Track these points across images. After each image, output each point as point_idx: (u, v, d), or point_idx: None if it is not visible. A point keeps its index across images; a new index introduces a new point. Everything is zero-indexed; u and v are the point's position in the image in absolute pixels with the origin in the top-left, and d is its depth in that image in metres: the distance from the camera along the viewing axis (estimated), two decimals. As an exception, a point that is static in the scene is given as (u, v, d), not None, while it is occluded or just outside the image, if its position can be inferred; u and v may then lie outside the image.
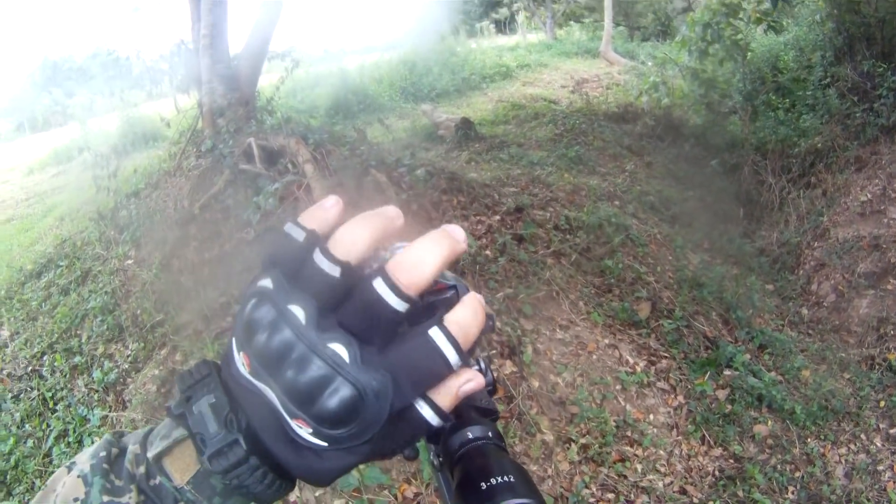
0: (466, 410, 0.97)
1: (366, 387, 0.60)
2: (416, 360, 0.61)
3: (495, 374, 4.95)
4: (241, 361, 0.64)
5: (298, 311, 0.60)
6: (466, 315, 0.63)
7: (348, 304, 0.60)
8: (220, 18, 8.56)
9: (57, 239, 9.05)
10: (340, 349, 0.59)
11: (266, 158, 7.41)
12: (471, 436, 0.90)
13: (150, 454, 0.71)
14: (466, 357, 0.65)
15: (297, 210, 6.54)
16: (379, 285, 0.59)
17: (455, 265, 5.85)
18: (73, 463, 0.71)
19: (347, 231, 0.64)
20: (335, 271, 0.60)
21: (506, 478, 0.76)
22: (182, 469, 0.70)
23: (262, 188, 6.91)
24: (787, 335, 6.92)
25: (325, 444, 0.63)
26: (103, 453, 0.71)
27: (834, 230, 8.69)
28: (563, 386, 5.18)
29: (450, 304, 0.82)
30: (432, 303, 0.83)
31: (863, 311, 7.39)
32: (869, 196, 8.89)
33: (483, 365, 1.02)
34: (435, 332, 0.61)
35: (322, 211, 0.68)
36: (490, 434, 0.91)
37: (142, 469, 0.70)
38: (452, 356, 0.62)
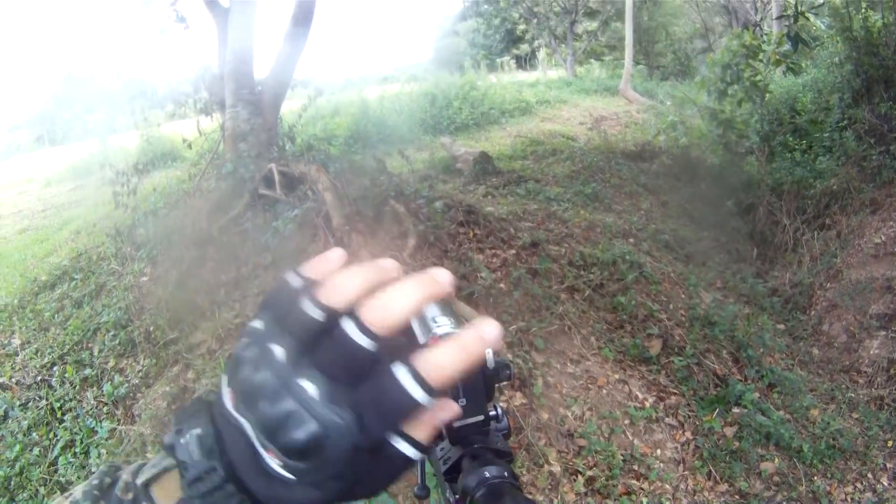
0: (483, 452, 1.05)
1: (328, 423, 0.63)
2: (381, 396, 0.64)
3: (506, 406, 5.05)
4: (227, 396, 0.68)
5: (278, 350, 0.64)
6: (444, 353, 0.65)
7: (323, 344, 0.64)
8: (246, 44, 8.76)
9: (72, 252, 9.15)
10: (310, 386, 0.62)
11: (286, 184, 7.53)
12: (488, 475, 0.96)
13: (139, 481, 0.75)
14: (436, 393, 0.66)
15: (315, 238, 6.67)
16: (347, 325, 0.63)
17: (470, 298, 5.96)
18: (71, 493, 0.77)
19: (337, 279, 0.68)
20: (318, 315, 0.64)
21: None
22: (167, 496, 0.74)
23: (280, 214, 7.03)
24: (797, 374, 6.92)
25: (294, 476, 0.66)
26: (96, 481, 0.77)
27: (847, 271, 8.73)
28: (571, 419, 5.26)
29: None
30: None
31: (873, 352, 7.41)
32: (883, 238, 8.93)
33: (499, 411, 1.11)
34: (398, 369, 0.63)
35: (325, 262, 0.74)
36: (506, 474, 0.97)
37: (130, 496, 0.74)
38: (418, 393, 0.64)
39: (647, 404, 5.70)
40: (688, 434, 5.58)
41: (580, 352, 6.05)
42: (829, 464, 5.59)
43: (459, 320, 1.04)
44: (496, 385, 1.09)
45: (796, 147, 12.15)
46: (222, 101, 8.88)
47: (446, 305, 1.11)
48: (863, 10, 12.83)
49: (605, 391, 5.69)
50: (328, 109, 17.74)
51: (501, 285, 6.53)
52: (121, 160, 13.45)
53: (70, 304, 7.71)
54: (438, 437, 1.10)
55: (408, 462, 0.69)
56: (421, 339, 0.97)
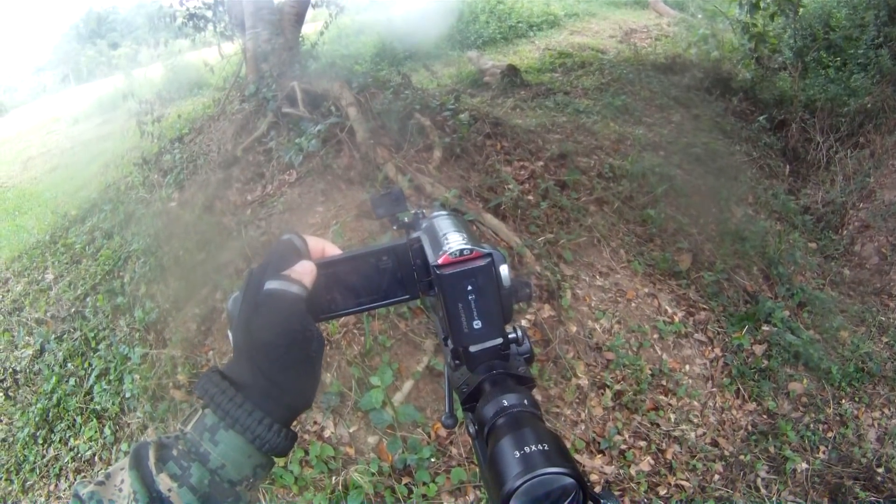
0: (503, 378, 1.02)
1: (231, 298, 1.02)
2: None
3: (533, 318, 4.97)
4: None
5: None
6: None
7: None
8: None
9: (101, 185, 9.16)
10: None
11: (309, 102, 7.38)
12: (506, 403, 0.93)
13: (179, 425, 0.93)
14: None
15: (339, 153, 6.56)
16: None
17: (497, 209, 5.85)
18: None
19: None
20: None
21: (540, 446, 0.80)
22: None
23: (304, 131, 6.90)
24: (828, 294, 6.84)
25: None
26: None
27: (880, 192, 8.54)
28: (600, 332, 5.19)
29: (486, 272, 0.98)
30: (469, 269, 0.98)
31: (906, 276, 7.30)
32: (918, 158, 8.73)
33: (520, 333, 1.07)
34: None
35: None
36: (526, 402, 0.93)
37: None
38: (286, 235, 1.02)
39: (677, 319, 5.62)
40: (717, 350, 5.51)
41: (609, 264, 5.95)
42: (857, 387, 5.56)
43: (472, 235, 1.06)
44: (515, 305, 1.05)
45: (830, 64, 11.82)
46: (242, 24, 8.70)
47: (459, 221, 1.16)
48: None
49: (633, 304, 5.60)
50: (353, 28, 17.47)
51: (529, 197, 6.40)
52: (147, 92, 13.41)
53: (101, 236, 7.73)
54: (459, 362, 1.09)
55: (295, 302, 0.94)
56: (432, 258, 1.03)
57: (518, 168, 6.97)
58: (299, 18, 8.96)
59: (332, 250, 1.09)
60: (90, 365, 5.89)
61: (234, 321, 0.95)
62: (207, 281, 5.77)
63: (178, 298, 5.91)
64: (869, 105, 10.18)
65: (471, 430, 1.00)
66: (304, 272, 0.98)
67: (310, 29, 10.01)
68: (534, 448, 0.80)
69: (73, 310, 6.68)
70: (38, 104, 25.63)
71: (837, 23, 13.17)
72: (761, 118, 10.96)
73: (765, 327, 5.81)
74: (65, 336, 6.40)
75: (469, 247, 0.99)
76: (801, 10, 12.61)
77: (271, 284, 0.94)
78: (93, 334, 6.21)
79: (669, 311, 5.69)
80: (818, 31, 12.74)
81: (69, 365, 6.03)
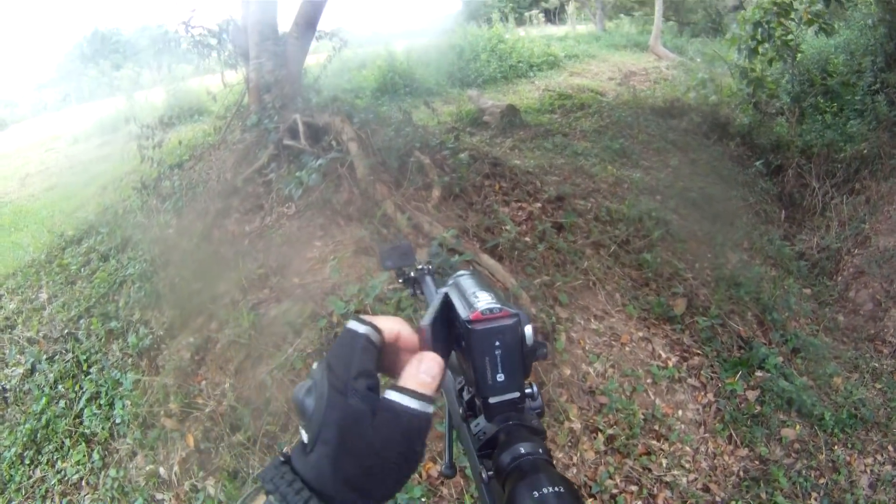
0: (518, 429, 1.08)
1: (299, 387, 0.91)
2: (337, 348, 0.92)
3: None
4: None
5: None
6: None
7: None
8: None
9: (99, 206, 9.16)
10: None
11: (311, 135, 7.42)
12: (523, 451, 0.98)
13: None
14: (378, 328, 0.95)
15: (339, 188, 6.61)
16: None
17: (494, 250, 5.90)
18: None
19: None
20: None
21: (556, 488, 0.87)
22: None
23: (305, 164, 6.95)
24: (822, 340, 6.86)
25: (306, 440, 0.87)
26: None
27: (875, 238, 8.60)
28: (593, 376, 5.21)
29: (513, 330, 1.03)
30: (499, 327, 1.02)
31: (899, 322, 7.33)
32: (914, 205, 8.80)
33: (535, 389, 1.12)
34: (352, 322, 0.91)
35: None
36: (540, 450, 0.99)
37: None
38: (360, 327, 0.93)
39: (671, 364, 5.64)
40: (710, 396, 5.52)
41: (604, 308, 5.99)
42: (850, 433, 5.54)
43: (499, 294, 1.11)
44: (533, 362, 1.09)
45: (827, 109, 11.92)
46: (246, 53, 8.74)
47: (484, 280, 1.21)
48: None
49: (628, 349, 5.63)
50: (355, 62, 17.58)
51: (527, 238, 6.46)
52: (147, 115, 13.45)
53: (96, 258, 7.73)
54: (472, 413, 1.18)
55: (413, 415, 0.87)
56: (463, 313, 1.05)
57: (516, 209, 7.03)
58: (303, 51, 9.02)
59: (408, 334, 1.04)
60: (81, 388, 5.86)
61: (308, 415, 0.89)
62: (203, 310, 5.79)
63: (173, 326, 5.92)
64: (865, 151, 10.27)
65: (483, 476, 1.06)
66: (432, 382, 0.92)
67: (313, 60, 10.07)
68: (550, 490, 0.86)
69: (65, 331, 6.65)
70: (38, 121, 25.66)
71: (834, 68, 13.32)
72: (758, 163, 11.05)
73: (758, 373, 5.82)
74: (56, 357, 6.38)
75: (499, 305, 1.04)
76: (799, 55, 12.78)
77: (394, 396, 0.88)
78: (85, 357, 6.19)
79: (663, 355, 5.71)
80: (815, 77, 12.88)
81: (60, 387, 5.99)
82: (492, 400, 1.05)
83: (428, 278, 1.94)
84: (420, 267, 1.97)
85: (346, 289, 5.17)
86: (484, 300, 1.06)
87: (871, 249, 8.42)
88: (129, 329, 6.21)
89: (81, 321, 6.68)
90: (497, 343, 1.02)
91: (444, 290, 1.23)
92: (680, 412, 5.29)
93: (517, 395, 1.05)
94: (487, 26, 22.93)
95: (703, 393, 5.54)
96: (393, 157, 7.03)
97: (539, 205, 7.16)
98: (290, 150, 7.40)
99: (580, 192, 7.83)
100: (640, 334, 5.85)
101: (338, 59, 9.78)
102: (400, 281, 2.00)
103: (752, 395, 5.62)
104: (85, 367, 6.09)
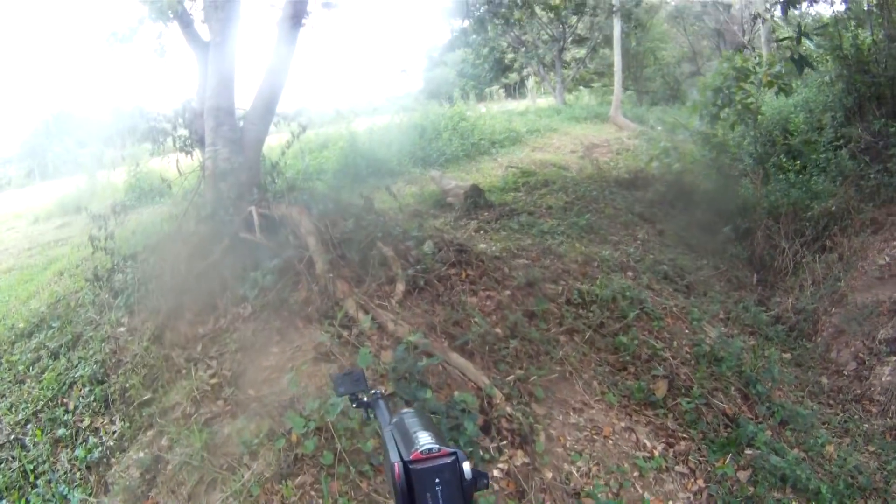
0: None
1: None
2: None
3: (506, 467, 4.78)
4: None
5: None
6: None
7: None
8: (226, 79, 8.38)
9: (52, 297, 8.77)
10: None
11: (267, 227, 7.22)
12: None
13: None
14: None
15: (297, 285, 6.39)
16: None
17: (463, 347, 5.72)
18: None
19: None
20: None
21: None
22: None
23: (261, 260, 6.74)
24: (808, 407, 6.72)
25: None
26: None
27: (852, 295, 8.52)
28: (577, 476, 4.97)
29: (451, 468, 1.14)
30: (437, 466, 1.14)
31: (885, 380, 7.18)
32: (887, 259, 8.75)
33: None
34: None
35: None
36: None
37: None
38: None
39: (656, 453, 5.43)
40: (700, 482, 5.31)
41: (583, 399, 5.79)
42: (848, 504, 5.32)
43: (439, 433, 1.26)
44: (473, 493, 1.22)
45: (790, 168, 12.00)
46: (202, 139, 8.50)
47: (426, 419, 1.35)
48: (852, 29, 12.78)
49: (611, 441, 5.41)
50: (316, 143, 17.56)
51: (497, 329, 6.27)
52: (108, 196, 13.25)
53: (46, 355, 7.32)
54: None
55: None
56: (405, 453, 1.18)
57: (484, 298, 6.86)
58: (260, 136, 8.74)
59: None
60: (27, 502, 5.47)
61: None
62: (153, 423, 5.48)
63: (123, 437, 5.59)
64: (833, 207, 10.30)
65: None
66: None
67: (274, 140, 9.86)
68: None
69: (12, 436, 6.24)
70: (1, 197, 25.40)
71: (795, 127, 13.54)
72: (726, 228, 11.06)
73: (748, 451, 5.62)
74: (2, 465, 5.98)
75: (437, 445, 1.18)
76: (760, 117, 12.91)
77: None
78: (31, 466, 5.78)
79: (648, 444, 5.50)
80: (777, 137, 13.09)
81: (4, 501, 5.60)
82: None
83: (381, 402, 2.02)
84: (373, 392, 2.08)
85: (307, 403, 4.88)
86: (424, 440, 1.21)
87: (849, 307, 8.33)
88: (77, 436, 5.88)
89: (29, 426, 6.30)
90: (437, 480, 1.15)
91: (388, 427, 1.41)
92: (670, 503, 5.07)
93: None
94: (449, 104, 23.12)
95: (692, 480, 5.33)
96: (354, 251, 6.82)
97: (508, 292, 7.00)
98: (247, 243, 7.16)
99: (549, 276, 7.69)
100: (623, 424, 5.65)
101: (299, 140, 9.51)
102: (354, 405, 2.11)
103: (743, 475, 5.42)
104: (32, 479, 5.68)
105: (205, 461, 4.81)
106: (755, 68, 12.46)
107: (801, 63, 11.11)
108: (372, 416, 2.05)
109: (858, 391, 7.25)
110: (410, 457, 1.16)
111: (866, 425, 6.63)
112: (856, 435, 6.43)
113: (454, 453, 1.18)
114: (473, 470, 1.20)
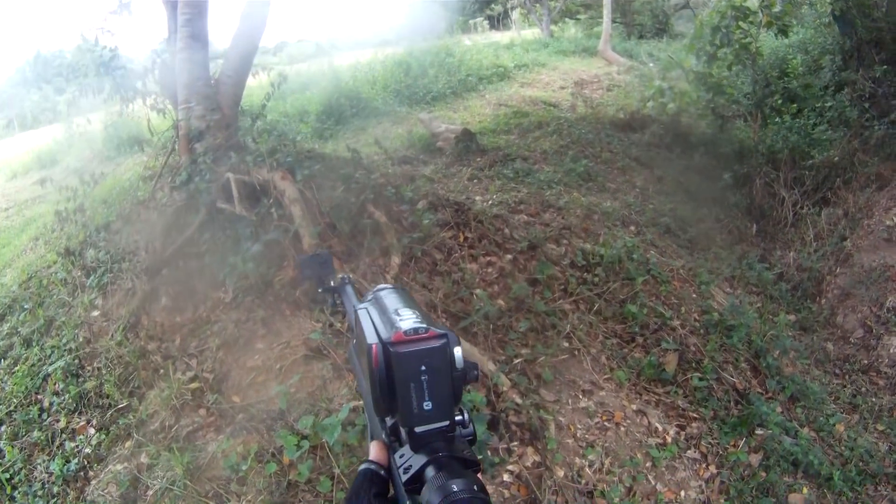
0: (449, 462, 0.99)
1: None
2: None
3: (517, 469, 4.52)
4: None
5: None
6: None
7: None
8: (199, 29, 7.61)
9: (25, 273, 8.25)
10: None
11: (248, 196, 6.59)
12: (455, 489, 0.90)
13: None
14: None
15: (283, 264, 5.93)
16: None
17: (468, 329, 5.41)
18: None
19: None
20: None
21: None
22: None
23: (241, 235, 6.23)
24: (815, 377, 6.57)
25: None
26: None
27: (858, 255, 8.26)
28: (590, 473, 4.72)
29: (441, 352, 1.01)
30: (425, 349, 0.99)
31: (893, 352, 6.99)
32: (895, 220, 8.45)
33: (466, 416, 1.08)
34: None
35: None
36: (475, 487, 0.91)
37: None
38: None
39: (669, 438, 5.18)
40: (712, 468, 5.11)
41: (591, 378, 5.50)
42: (859, 491, 5.23)
43: (424, 313, 1.09)
44: (464, 386, 1.06)
45: (787, 111, 11.72)
46: (175, 96, 7.83)
47: (408, 297, 1.22)
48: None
49: (622, 429, 5.14)
50: (298, 84, 16.77)
51: (500, 302, 5.96)
52: (85, 147, 12.73)
53: (19, 343, 6.84)
54: (398, 441, 1.08)
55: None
56: (384, 334, 1.03)
57: (484, 265, 6.51)
58: (238, 90, 8.02)
59: None
60: None
61: None
62: (131, 434, 5.07)
63: (100, 445, 5.17)
64: (836, 159, 10.00)
65: None
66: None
67: (252, 84, 9.17)
68: None
69: None
70: None
71: (793, 69, 13.19)
72: (726, 176, 10.75)
73: (759, 431, 5.44)
74: None
75: (425, 325, 1.01)
76: (758, 58, 12.57)
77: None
78: (7, 476, 5.39)
79: (661, 428, 5.25)
80: (774, 79, 12.70)
81: None
82: (418, 430, 1.02)
83: (349, 288, 1.88)
84: (341, 276, 1.95)
85: (299, 418, 4.46)
86: (408, 319, 1.04)
87: (856, 269, 8.07)
88: (54, 440, 5.49)
89: (3, 428, 5.88)
90: (423, 368, 0.99)
91: (362, 305, 1.21)
92: (682, 493, 4.86)
93: (447, 423, 1.02)
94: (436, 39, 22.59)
95: (704, 465, 5.13)
96: (344, 219, 6.28)
97: (510, 257, 6.67)
98: (225, 214, 6.60)
99: (552, 234, 7.36)
100: (634, 406, 5.38)
101: (279, 89, 8.84)
102: (319, 290, 1.97)
103: (755, 458, 5.24)
104: (8, 490, 5.30)
105: (188, 489, 4.40)
106: (760, 9, 12.04)
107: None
108: (338, 301, 1.92)
109: (865, 361, 7.06)
110: (392, 338, 1.00)
111: (874, 399, 6.47)
112: (864, 411, 6.28)
113: (444, 335, 1.01)
114: (465, 360, 1.05)
